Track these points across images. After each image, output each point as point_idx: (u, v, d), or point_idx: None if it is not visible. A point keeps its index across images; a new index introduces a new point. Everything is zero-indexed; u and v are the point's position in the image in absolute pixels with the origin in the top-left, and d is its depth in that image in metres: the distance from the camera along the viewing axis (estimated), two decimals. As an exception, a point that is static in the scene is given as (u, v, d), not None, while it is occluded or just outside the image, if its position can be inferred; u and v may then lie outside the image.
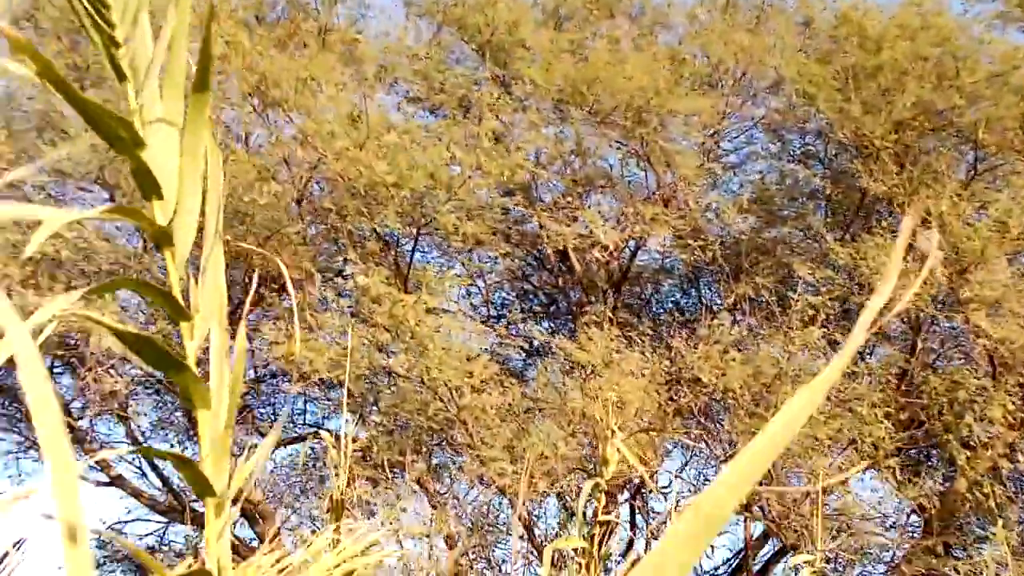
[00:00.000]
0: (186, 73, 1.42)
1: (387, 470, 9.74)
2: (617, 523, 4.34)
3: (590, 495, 4.64)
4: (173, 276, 1.44)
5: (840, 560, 10.66)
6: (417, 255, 12.28)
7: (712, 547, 12.53)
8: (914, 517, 11.69)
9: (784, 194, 12.12)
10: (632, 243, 11.68)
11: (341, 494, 4.49)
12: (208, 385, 1.49)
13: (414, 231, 9.70)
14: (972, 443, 9.07)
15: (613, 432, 4.71)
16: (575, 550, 4.69)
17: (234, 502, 1.43)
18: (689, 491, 12.11)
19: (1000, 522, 8.73)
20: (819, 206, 11.98)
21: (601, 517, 4.54)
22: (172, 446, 13.73)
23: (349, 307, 9.65)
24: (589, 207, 10.63)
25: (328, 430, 12.39)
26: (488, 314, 13.14)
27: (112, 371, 9.69)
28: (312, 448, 12.85)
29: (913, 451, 11.05)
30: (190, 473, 1.42)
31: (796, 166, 12.18)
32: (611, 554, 4.56)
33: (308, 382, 9.19)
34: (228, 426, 1.51)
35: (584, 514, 4.59)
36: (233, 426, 1.49)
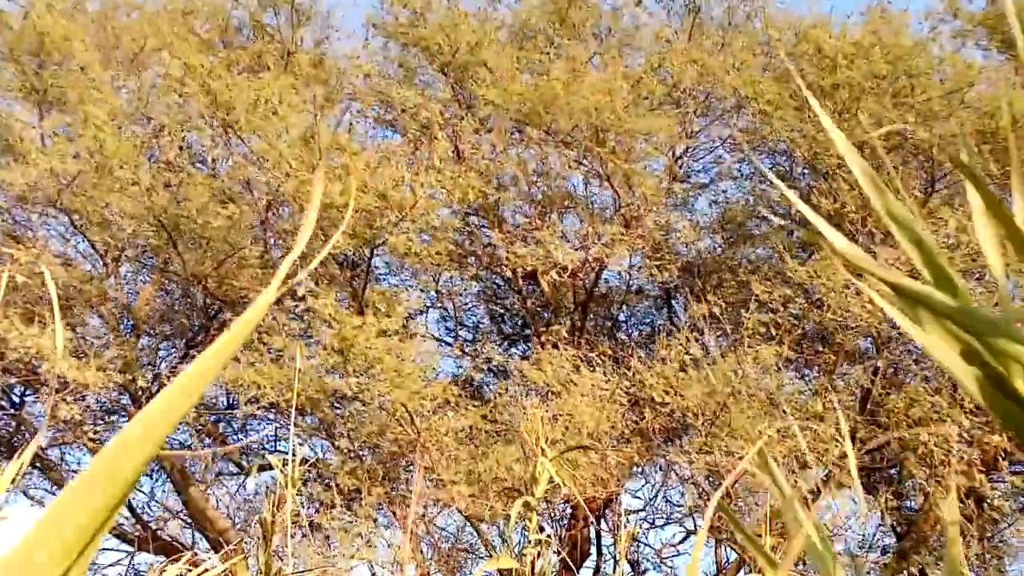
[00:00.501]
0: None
1: (344, 496, 9.68)
2: (549, 543, 4.31)
3: (519, 515, 4.61)
4: None
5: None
6: (388, 280, 12.30)
7: None
8: (892, 539, 11.67)
9: (750, 214, 12.15)
10: (598, 264, 11.69)
11: (272, 517, 4.44)
12: None
13: (367, 253, 9.69)
14: (929, 461, 9.04)
15: (543, 451, 4.68)
16: (509, 571, 4.65)
17: None
18: (653, 514, 12.07)
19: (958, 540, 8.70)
20: (785, 225, 11.99)
21: (533, 537, 4.51)
22: (145, 475, 13.70)
23: (303, 329, 9.63)
24: (549, 228, 10.60)
25: (266, 458, 12.30)
26: (458, 336, 13.14)
27: (67, 398, 9.62)
28: (272, 478, 12.77)
29: (879, 471, 11.02)
30: None
31: (763, 185, 12.22)
32: (545, 574, 4.51)
33: (260, 406, 9.13)
34: None
35: (529, 533, 4.56)
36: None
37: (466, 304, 13.54)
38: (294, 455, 4.02)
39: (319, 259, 0.64)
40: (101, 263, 11.41)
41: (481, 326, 13.60)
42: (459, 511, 10.17)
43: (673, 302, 12.86)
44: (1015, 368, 0.70)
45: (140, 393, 11.09)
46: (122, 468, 0.55)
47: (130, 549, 13.08)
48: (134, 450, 0.55)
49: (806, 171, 11.62)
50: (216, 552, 12.49)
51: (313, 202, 0.63)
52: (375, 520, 10.43)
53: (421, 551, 11.58)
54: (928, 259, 0.79)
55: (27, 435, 11.99)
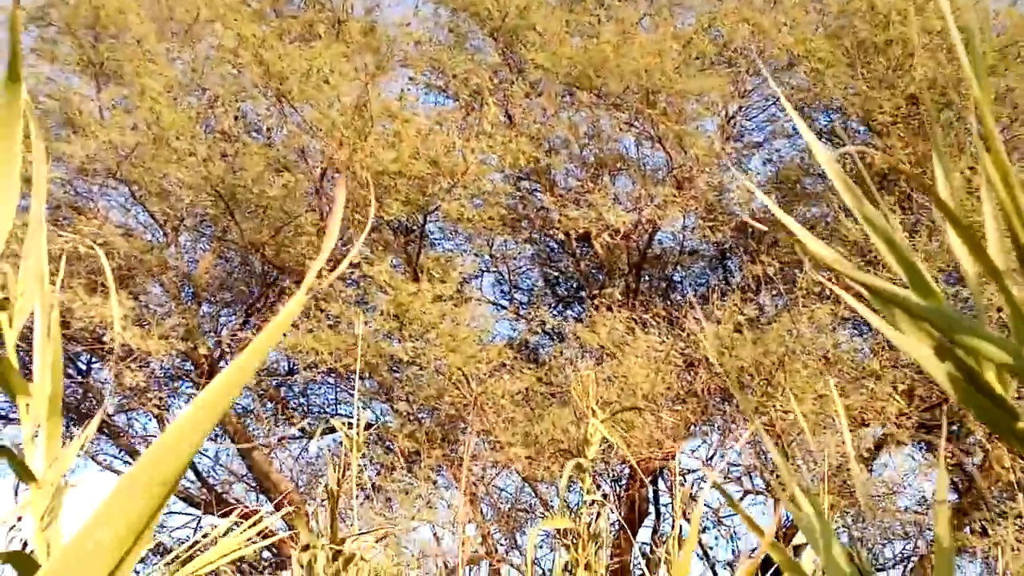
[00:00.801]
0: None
1: (404, 458, 9.85)
2: (604, 503, 4.40)
3: (572, 476, 4.70)
4: None
5: (868, 541, 10.63)
6: (443, 245, 12.40)
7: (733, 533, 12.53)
8: (953, 495, 11.63)
9: (805, 172, 12.08)
10: (651, 226, 11.70)
11: (338, 483, 4.57)
12: (25, 373, 1.53)
13: (421, 219, 9.79)
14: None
15: (594, 412, 4.76)
16: (565, 531, 4.74)
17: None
18: (708, 473, 12.09)
19: (1020, 497, 8.69)
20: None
21: (586, 497, 4.60)
22: (210, 440, 14.00)
23: (359, 296, 9.77)
24: (601, 191, 10.63)
25: (329, 421, 12.51)
26: (512, 299, 13.23)
27: (132, 365, 9.86)
28: (334, 440, 12.99)
29: (938, 427, 10.97)
30: (11, 460, 1.47)
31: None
32: (601, 533, 4.60)
33: (320, 371, 9.31)
34: (54, 411, 1.56)
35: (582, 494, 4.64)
36: (60, 412, 1.55)
37: (520, 267, 13.62)
38: (357, 419, 4.13)
39: (344, 263, 0.72)
40: (161, 233, 11.63)
41: (535, 289, 13.67)
42: (517, 472, 10.30)
43: (728, 262, 12.85)
44: (986, 364, 0.75)
45: (203, 360, 11.33)
46: (180, 449, 0.63)
47: (197, 512, 13.38)
48: (189, 433, 0.63)
49: (861, 129, 11.52)
50: (282, 517, 12.74)
51: (335, 213, 0.70)
52: (434, 482, 10.60)
53: (481, 512, 11.74)
54: (903, 260, 0.84)
55: (94, 402, 12.28)
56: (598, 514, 4.52)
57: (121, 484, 0.60)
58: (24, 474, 1.46)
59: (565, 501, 4.97)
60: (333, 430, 13.80)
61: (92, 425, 1.78)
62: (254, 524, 2.45)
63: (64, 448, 1.66)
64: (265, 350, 0.66)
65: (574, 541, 4.45)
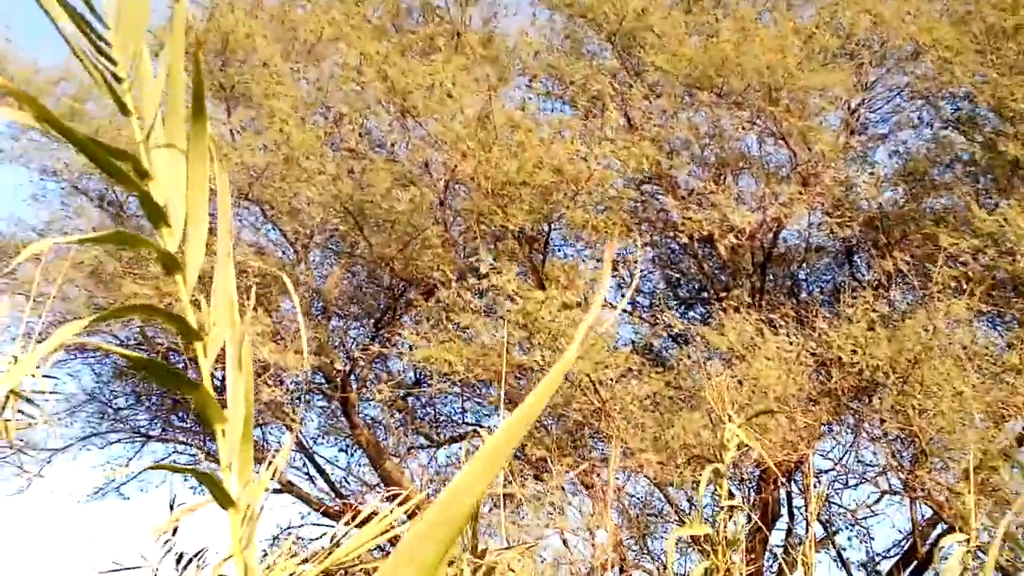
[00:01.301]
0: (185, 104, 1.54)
1: (533, 465, 9.91)
2: (742, 508, 4.40)
3: (710, 482, 4.70)
4: (185, 298, 1.58)
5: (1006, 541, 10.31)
6: (563, 251, 12.46)
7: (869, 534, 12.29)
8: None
9: (933, 162, 11.81)
10: (775, 224, 11.57)
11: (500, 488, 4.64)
12: (221, 401, 1.60)
13: (546, 228, 9.86)
14: None
15: (729, 417, 4.76)
16: (703, 538, 4.74)
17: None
18: (845, 474, 11.92)
19: None
20: (969, 173, 11.61)
21: (725, 503, 4.60)
22: (340, 451, 14.29)
23: (488, 307, 9.87)
24: (724, 191, 10.56)
25: (474, 428, 12.65)
26: (635, 303, 13.20)
27: (268, 381, 10.13)
28: (472, 446, 13.14)
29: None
30: (211, 486, 1.55)
31: (946, 132, 11.86)
32: (739, 539, 4.59)
33: (450, 382, 9.44)
34: (247, 438, 1.64)
35: (720, 499, 4.64)
36: (252, 436, 1.62)
37: (642, 271, 13.57)
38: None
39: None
40: (292, 250, 11.93)
41: (657, 292, 13.62)
42: (647, 478, 10.28)
43: (855, 257, 12.62)
44: None
45: (335, 373, 11.58)
46: (463, 504, 0.69)
47: (333, 524, 13.64)
48: (470, 490, 0.68)
49: (990, 116, 11.21)
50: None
51: (604, 269, 0.75)
52: (563, 488, 10.64)
53: (611, 518, 11.74)
54: None
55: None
56: (732, 519, 4.51)
57: (414, 532, 0.66)
58: (222, 498, 1.52)
59: (698, 505, 4.96)
60: (460, 438, 14.00)
61: (284, 451, 1.87)
62: (390, 513, 2.52)
63: (257, 474, 1.75)
64: (542, 404, 0.71)
65: (712, 547, 4.45)
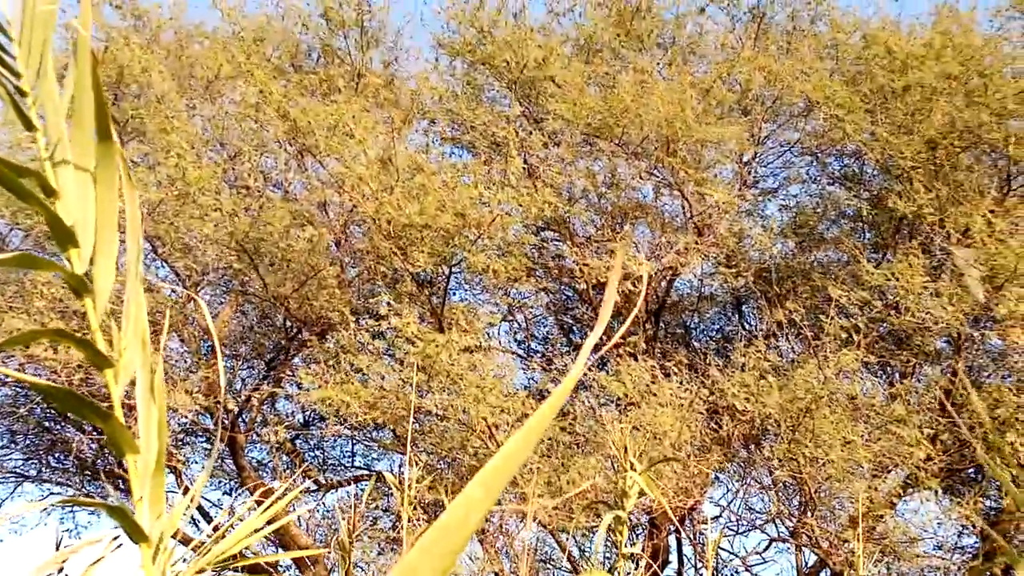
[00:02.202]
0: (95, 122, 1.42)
1: (425, 510, 9.74)
2: (642, 555, 4.34)
3: (610, 528, 4.62)
4: (94, 323, 1.45)
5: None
6: (459, 294, 12.38)
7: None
8: (973, 539, 11.48)
9: (821, 217, 12.08)
10: (670, 272, 11.67)
11: (350, 535, 4.49)
12: (134, 431, 1.49)
13: (446, 271, 9.77)
14: (1020, 461, 8.90)
15: (631, 464, 4.69)
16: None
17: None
18: (735, 521, 11.99)
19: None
20: (856, 228, 11.90)
21: (624, 551, 4.52)
22: (224, 494, 13.91)
23: (385, 349, 9.72)
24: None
25: (376, 471, 12.45)
26: (529, 349, 13.17)
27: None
28: (360, 490, 12.91)
29: (961, 472, 10.87)
30: (123, 520, 1.43)
31: (833, 188, 12.16)
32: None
33: (346, 424, 9.25)
34: (159, 469, 1.52)
35: (615, 547, 4.57)
36: (164, 468, 1.50)
37: (536, 316, 13.57)
38: (403, 472, 4.08)
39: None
40: (182, 287, 11.61)
41: (551, 337, 13.62)
42: (541, 524, 10.19)
43: (745, 307, 12.80)
44: None
45: (225, 415, 11.26)
46: (467, 523, 0.59)
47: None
48: (477, 507, 0.59)
49: (877, 173, 11.52)
50: (300, 570, 12.64)
51: (607, 301, 0.66)
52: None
53: (502, 564, 11.61)
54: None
55: (110, 458, 12.16)
56: (636, 566, 4.46)
57: (406, 561, 0.57)
58: (134, 532, 1.43)
59: (596, 552, 4.88)
60: (347, 483, 13.75)
61: (200, 482, 1.74)
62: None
63: (170, 507, 1.62)
64: (544, 425, 0.62)
65: (609, 595, 4.38)
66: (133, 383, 1.45)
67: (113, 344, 1.49)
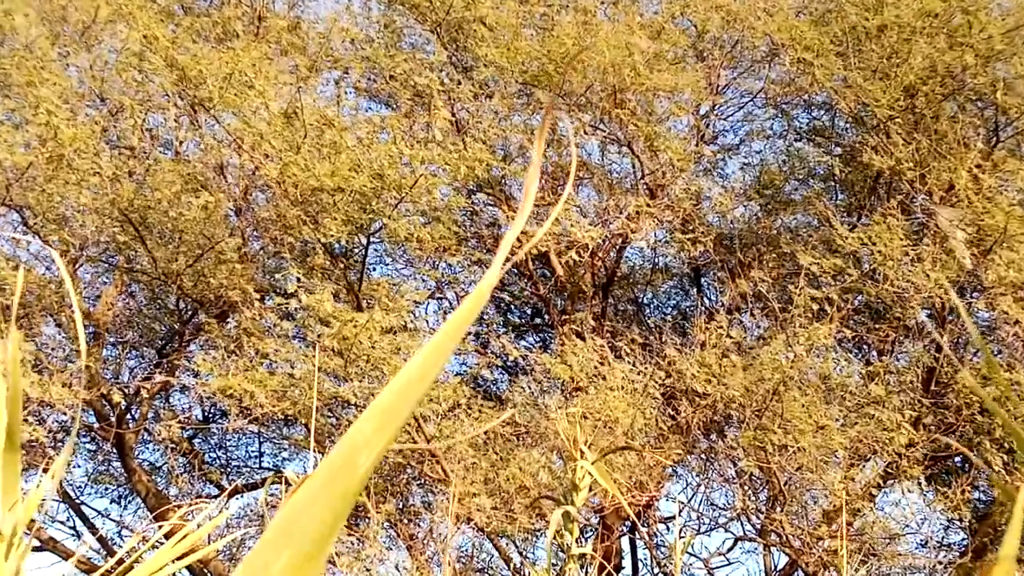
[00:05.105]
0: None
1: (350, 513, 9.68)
2: (594, 556, 4.34)
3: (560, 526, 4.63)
4: None
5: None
6: (379, 268, 12.31)
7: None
8: (960, 535, 11.69)
9: (788, 176, 12.16)
10: (619, 240, 11.70)
11: None
12: None
13: (364, 241, 9.70)
14: (1007, 445, 9.08)
15: (582, 454, 4.70)
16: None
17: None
18: (696, 519, 12.10)
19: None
20: (828, 187, 12.01)
21: (575, 550, 4.53)
22: (112, 501, 13.74)
23: (295, 331, 9.64)
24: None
25: (279, 471, 12.36)
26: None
27: (29, 418, 9.63)
28: (272, 494, 12.84)
29: (947, 459, 11.05)
30: None
31: (802, 143, 12.25)
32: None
33: (251, 419, 9.17)
34: (12, 450, 1.47)
35: (567, 547, 4.58)
36: (19, 454, 1.46)
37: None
38: (306, 472, 4.04)
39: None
40: (57, 265, 11.41)
41: (485, 317, 13.61)
42: (477, 527, 10.20)
43: (704, 280, 12.88)
44: None
45: (108, 410, 11.11)
46: (356, 464, 0.57)
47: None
48: (369, 444, 0.57)
49: (850, 125, 11.61)
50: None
51: (537, 149, 0.64)
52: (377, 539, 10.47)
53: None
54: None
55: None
56: (585, 571, 4.48)
57: (283, 515, 0.55)
58: None
59: (549, 554, 4.90)
60: (254, 486, 13.68)
61: (61, 460, 1.69)
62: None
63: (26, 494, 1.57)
64: (452, 343, 0.60)
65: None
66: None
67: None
